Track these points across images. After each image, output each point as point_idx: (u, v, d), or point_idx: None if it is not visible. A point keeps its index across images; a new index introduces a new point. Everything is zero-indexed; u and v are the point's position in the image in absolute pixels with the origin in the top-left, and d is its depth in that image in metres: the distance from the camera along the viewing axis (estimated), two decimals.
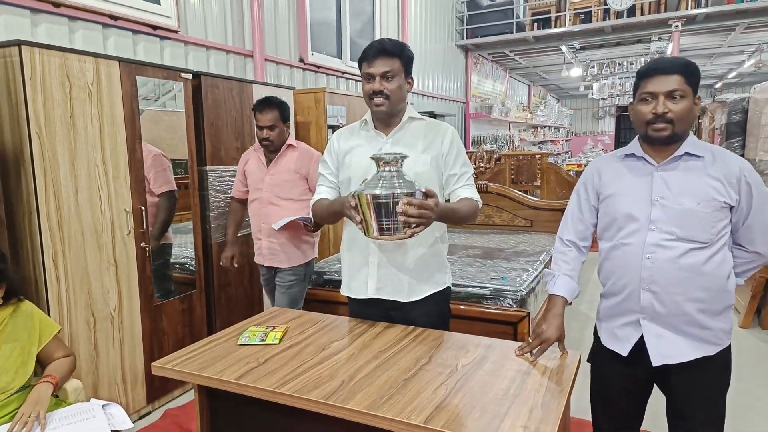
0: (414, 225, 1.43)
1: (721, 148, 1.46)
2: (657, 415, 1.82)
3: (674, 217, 1.41)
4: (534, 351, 1.52)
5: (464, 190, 1.75)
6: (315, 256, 2.84)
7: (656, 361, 1.47)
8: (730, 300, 1.47)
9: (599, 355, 1.63)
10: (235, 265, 2.85)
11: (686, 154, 1.43)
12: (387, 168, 1.46)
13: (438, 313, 1.85)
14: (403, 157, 1.48)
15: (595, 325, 1.67)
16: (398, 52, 1.69)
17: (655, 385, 1.60)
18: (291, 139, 2.68)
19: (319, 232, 2.82)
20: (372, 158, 1.50)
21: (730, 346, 1.52)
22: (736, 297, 4.50)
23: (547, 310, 1.61)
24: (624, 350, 1.52)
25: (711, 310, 1.44)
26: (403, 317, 1.81)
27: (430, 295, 1.80)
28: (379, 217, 1.44)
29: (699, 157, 1.42)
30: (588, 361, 1.68)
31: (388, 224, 1.44)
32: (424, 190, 1.47)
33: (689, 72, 1.39)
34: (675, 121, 1.39)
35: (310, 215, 2.15)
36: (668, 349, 1.46)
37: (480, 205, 1.77)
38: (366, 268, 1.80)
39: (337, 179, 1.86)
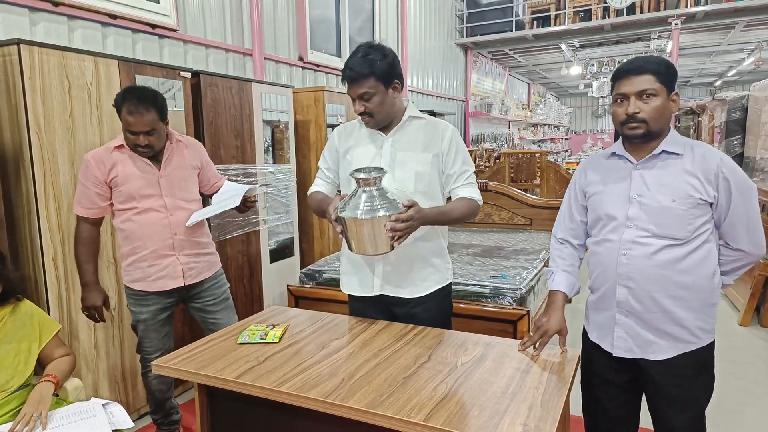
0: (397, 238, 1.54)
1: (702, 144, 1.48)
2: None
3: (650, 215, 1.43)
4: (536, 345, 1.54)
5: (463, 189, 1.77)
6: None
7: (617, 352, 1.51)
8: (713, 298, 1.47)
9: (586, 347, 1.66)
10: (106, 312, 2.21)
11: (663, 152, 1.45)
12: (367, 188, 1.53)
13: (440, 309, 1.87)
14: (381, 175, 1.55)
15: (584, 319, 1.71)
16: (369, 71, 1.66)
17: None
18: (174, 133, 2.16)
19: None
20: (351, 175, 1.57)
21: (712, 345, 1.51)
22: (735, 295, 4.48)
23: (547, 305, 1.64)
24: (608, 345, 1.55)
25: (690, 307, 1.44)
26: (406, 313, 1.83)
27: (433, 291, 1.83)
28: (361, 237, 1.54)
29: (677, 154, 1.44)
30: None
31: (371, 243, 1.54)
32: (403, 204, 1.54)
33: (661, 71, 1.41)
34: (648, 120, 1.41)
35: (255, 186, 2.12)
36: (636, 344, 1.49)
37: (480, 203, 1.78)
38: (371, 266, 1.82)
39: (336, 174, 1.91)
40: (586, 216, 1.62)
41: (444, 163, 1.78)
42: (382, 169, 1.56)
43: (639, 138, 1.44)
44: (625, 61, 1.56)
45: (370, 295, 1.84)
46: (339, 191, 1.89)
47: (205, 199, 2.33)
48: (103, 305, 2.09)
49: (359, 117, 1.77)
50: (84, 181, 2.00)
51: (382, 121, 1.77)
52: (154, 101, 1.96)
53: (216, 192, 2.30)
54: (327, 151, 1.92)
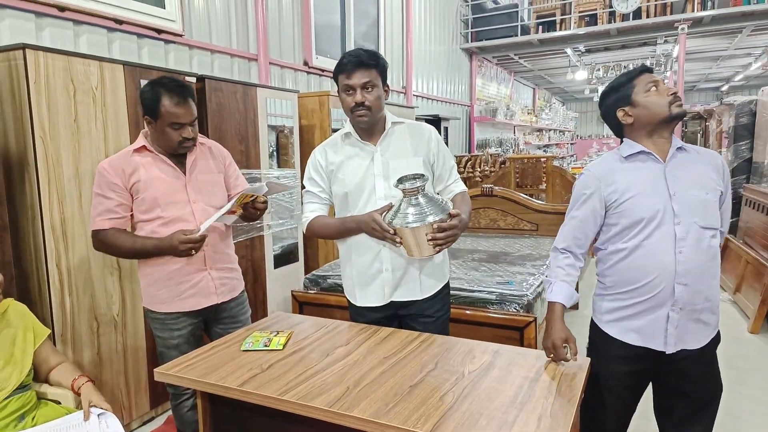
0: (442, 244, 1.59)
1: (688, 144, 1.61)
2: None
3: (693, 208, 1.49)
4: (557, 360, 1.51)
5: (456, 185, 1.89)
6: None
7: (671, 348, 1.54)
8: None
9: (603, 353, 1.62)
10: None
11: (678, 148, 1.55)
12: (414, 196, 1.59)
13: (443, 306, 1.92)
14: (424, 183, 1.59)
15: (594, 323, 1.68)
16: (375, 63, 1.71)
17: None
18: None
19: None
20: (396, 186, 1.61)
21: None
22: (746, 302, 4.43)
23: (547, 319, 1.62)
24: (659, 345, 1.55)
25: (717, 292, 1.57)
26: (412, 313, 1.86)
27: (439, 289, 1.87)
28: (413, 242, 1.59)
29: (686, 151, 1.56)
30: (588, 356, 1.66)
31: (417, 248, 1.60)
32: (450, 212, 1.60)
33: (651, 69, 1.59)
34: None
35: (263, 184, 1.86)
36: (684, 336, 1.54)
37: (467, 191, 1.92)
38: (381, 275, 1.81)
39: (329, 194, 1.87)
40: (603, 225, 1.61)
41: (436, 163, 1.85)
42: (423, 175, 1.60)
43: (680, 117, 1.54)
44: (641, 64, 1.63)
45: (383, 304, 1.84)
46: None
47: None
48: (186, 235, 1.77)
49: (353, 112, 1.72)
50: (101, 191, 1.81)
51: (374, 120, 1.76)
52: (191, 89, 1.83)
53: None
54: (313, 173, 1.86)
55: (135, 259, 1.97)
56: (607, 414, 1.66)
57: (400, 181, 1.60)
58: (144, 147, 1.86)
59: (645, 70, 1.57)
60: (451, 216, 1.59)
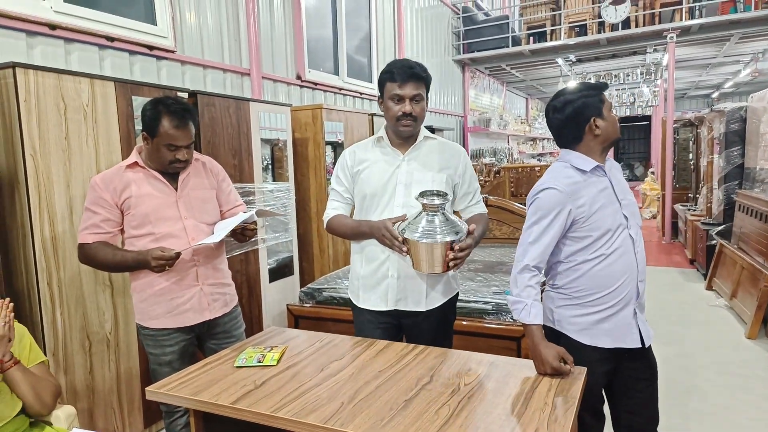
0: (459, 263, 1.64)
1: None
2: None
3: (634, 211, 1.66)
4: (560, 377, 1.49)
5: (477, 207, 1.93)
6: None
7: (648, 341, 1.67)
8: None
9: (580, 361, 1.58)
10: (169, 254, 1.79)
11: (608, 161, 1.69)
12: (434, 212, 1.62)
13: (447, 318, 1.93)
14: (445, 202, 1.63)
15: (561, 334, 1.68)
16: (425, 76, 1.78)
17: None
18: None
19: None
20: (417, 199, 1.65)
21: None
22: (742, 308, 4.44)
23: (533, 343, 1.52)
24: (637, 342, 1.64)
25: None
26: (415, 324, 1.87)
27: (445, 302, 1.88)
28: (421, 256, 1.62)
29: (612, 161, 1.73)
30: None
31: (428, 263, 1.62)
32: (467, 230, 1.66)
33: None
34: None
35: (252, 213, 1.91)
36: (648, 329, 1.68)
37: (486, 213, 1.96)
38: (386, 281, 1.83)
39: (352, 194, 1.91)
40: (568, 239, 1.63)
41: (460, 184, 1.89)
42: (446, 194, 1.65)
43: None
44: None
45: (384, 309, 1.85)
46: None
47: None
48: (161, 251, 1.76)
49: (400, 121, 1.76)
50: (91, 206, 1.82)
51: (416, 130, 1.82)
52: (194, 112, 1.86)
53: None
54: (341, 172, 1.91)
55: (125, 273, 1.98)
56: (590, 418, 1.75)
57: (423, 195, 1.63)
58: (136, 163, 1.87)
59: (607, 87, 1.71)
60: (469, 233, 1.66)
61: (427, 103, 1.82)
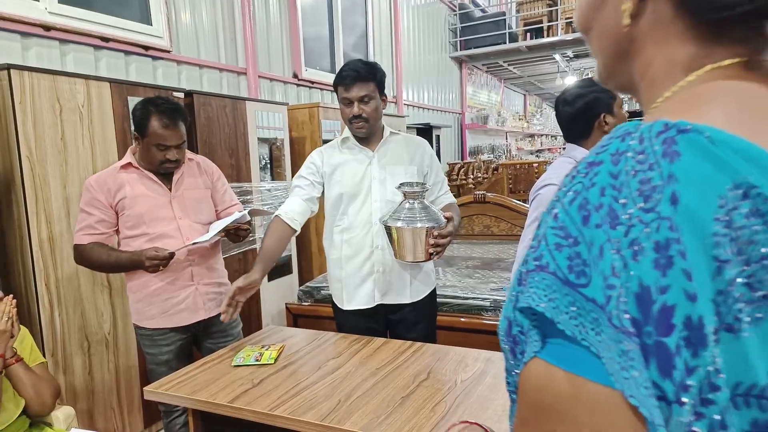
0: (440, 251, 1.67)
1: None
2: None
3: None
4: None
5: (446, 197, 1.98)
6: None
7: None
8: None
9: None
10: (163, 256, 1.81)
11: None
12: (410, 201, 1.67)
13: (431, 310, 1.98)
14: (424, 190, 1.69)
15: None
16: (372, 76, 1.77)
17: None
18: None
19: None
20: (398, 188, 1.70)
21: None
22: None
23: None
24: None
25: None
26: (402, 317, 1.90)
27: (428, 294, 1.93)
28: (403, 244, 1.66)
29: None
30: None
31: (411, 251, 1.66)
32: (446, 217, 1.68)
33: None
34: None
35: (245, 213, 1.89)
36: None
37: (456, 202, 2.02)
38: (371, 277, 1.85)
39: (316, 189, 1.89)
40: None
41: (428, 175, 1.94)
42: (424, 183, 1.73)
43: None
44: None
45: (371, 307, 1.87)
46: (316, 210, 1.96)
47: None
48: (155, 251, 1.78)
49: (352, 123, 1.80)
50: (85, 207, 1.83)
51: (372, 130, 1.84)
52: (184, 112, 1.86)
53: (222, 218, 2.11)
54: (306, 170, 1.90)
55: (122, 273, 1.99)
56: None
57: (402, 184, 1.70)
58: (130, 164, 1.88)
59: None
60: (448, 220, 1.68)
61: (384, 102, 1.83)
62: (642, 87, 0.44)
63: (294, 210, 1.83)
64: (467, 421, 0.68)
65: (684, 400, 0.29)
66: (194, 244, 1.87)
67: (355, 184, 1.83)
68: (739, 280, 0.28)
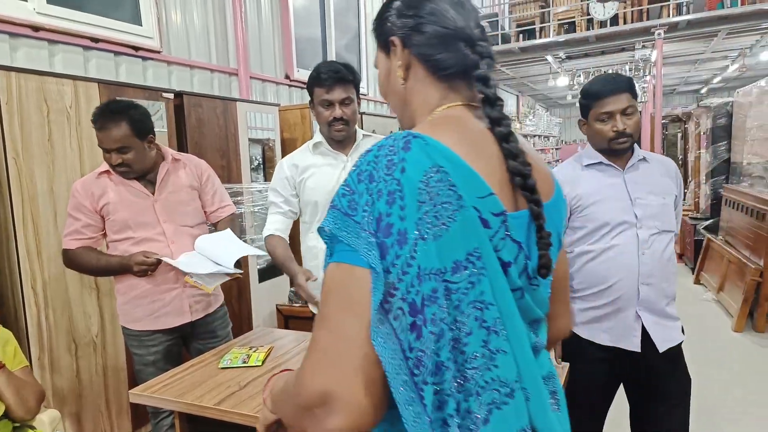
0: None
1: (646, 151, 1.71)
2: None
3: (653, 213, 1.59)
4: None
5: None
6: None
7: (662, 346, 1.57)
8: None
9: (576, 354, 1.64)
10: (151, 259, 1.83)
11: (640, 159, 1.65)
12: None
13: None
14: None
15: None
16: (352, 77, 1.74)
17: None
18: (170, 151, 2.01)
19: None
20: None
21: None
22: (729, 301, 4.48)
23: None
24: (635, 346, 1.58)
25: (674, 290, 1.65)
26: None
27: None
28: None
29: (647, 161, 1.66)
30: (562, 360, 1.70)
31: None
32: None
33: (633, 87, 1.57)
34: (632, 134, 1.57)
35: (237, 270, 1.82)
36: (667, 334, 1.59)
37: None
38: None
39: (293, 204, 1.87)
40: (567, 228, 1.64)
41: None
42: None
43: (624, 152, 1.60)
44: (593, 80, 1.65)
45: None
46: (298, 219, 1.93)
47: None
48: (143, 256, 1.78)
49: (332, 126, 1.76)
50: (72, 212, 1.83)
51: (350, 134, 1.80)
52: (126, 114, 1.75)
53: (214, 222, 2.09)
54: (278, 184, 1.88)
55: (109, 276, 1.98)
56: (581, 414, 1.67)
57: None
58: (108, 170, 1.87)
59: (616, 91, 1.55)
60: None
61: (359, 104, 1.81)
62: (415, 121, 0.74)
63: (279, 229, 1.85)
64: (286, 369, 0.84)
65: (391, 271, 0.57)
66: (189, 275, 1.78)
67: (330, 191, 1.79)
68: (428, 211, 0.57)
